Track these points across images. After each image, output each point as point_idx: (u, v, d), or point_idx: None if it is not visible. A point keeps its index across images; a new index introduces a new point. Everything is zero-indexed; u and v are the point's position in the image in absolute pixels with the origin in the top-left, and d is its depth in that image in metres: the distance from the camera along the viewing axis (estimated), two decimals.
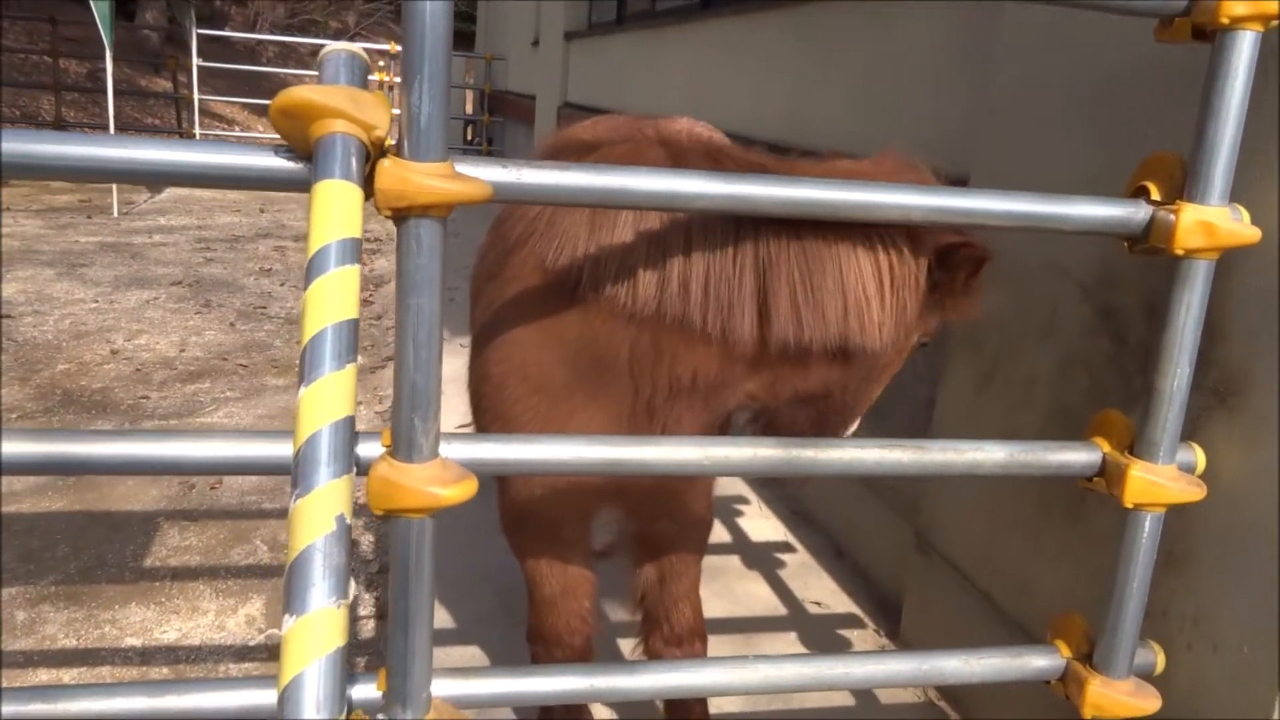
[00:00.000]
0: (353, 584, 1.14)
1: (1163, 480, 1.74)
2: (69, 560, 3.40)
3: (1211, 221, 1.65)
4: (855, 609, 3.30)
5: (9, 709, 1.50)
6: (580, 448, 1.67)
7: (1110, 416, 1.86)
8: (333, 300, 1.27)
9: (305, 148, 1.41)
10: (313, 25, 27.32)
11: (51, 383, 5.12)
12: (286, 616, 1.07)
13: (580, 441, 1.68)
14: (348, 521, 1.14)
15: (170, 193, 11.68)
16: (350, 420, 1.21)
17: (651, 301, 1.78)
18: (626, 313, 1.81)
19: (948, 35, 3.34)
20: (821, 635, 3.15)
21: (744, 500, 4.13)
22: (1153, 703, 1.85)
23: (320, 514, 1.13)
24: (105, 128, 10.73)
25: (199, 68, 13.20)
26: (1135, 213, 1.73)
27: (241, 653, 2.95)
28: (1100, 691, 1.84)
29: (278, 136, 1.43)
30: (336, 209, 1.33)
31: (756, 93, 4.97)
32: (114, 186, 10.10)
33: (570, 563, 2.16)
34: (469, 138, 15.82)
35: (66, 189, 11.24)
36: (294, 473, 1.16)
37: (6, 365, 5.32)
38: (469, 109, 16.12)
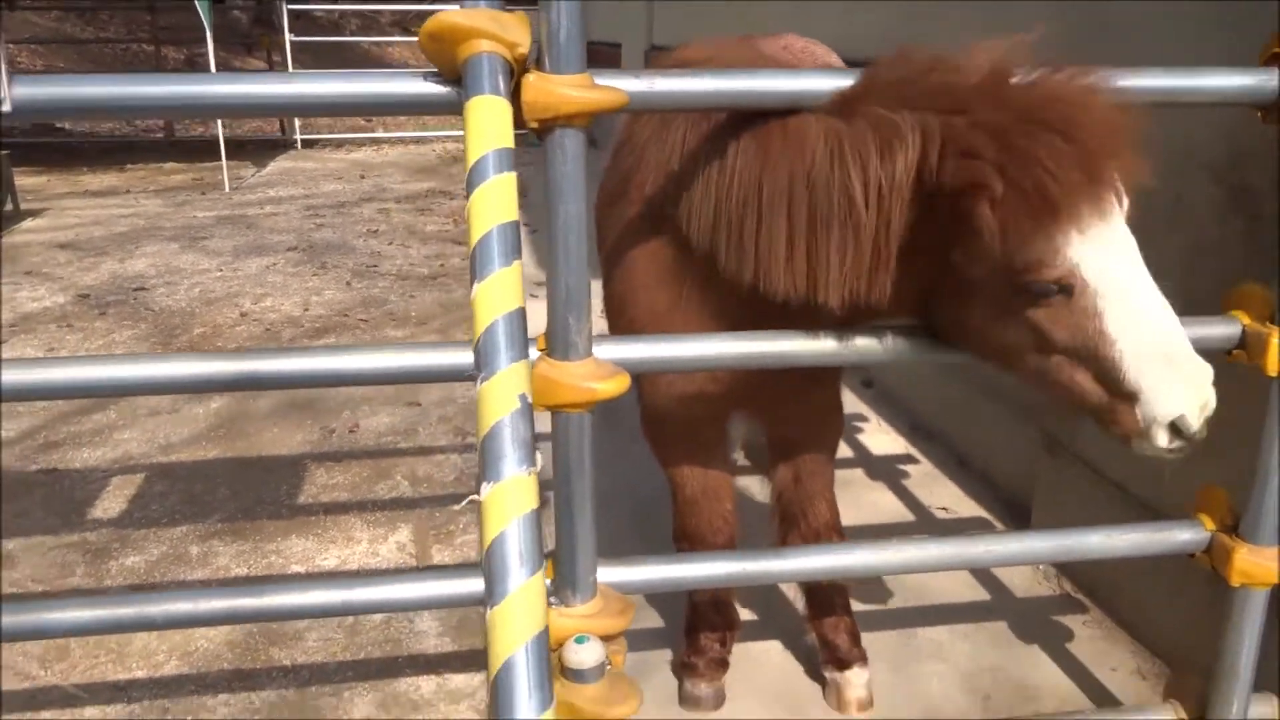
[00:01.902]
0: (539, 456, 1.24)
1: None
2: (230, 501, 3.65)
3: None
4: (983, 512, 3.34)
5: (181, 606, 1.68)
6: (720, 344, 1.75)
7: (1250, 290, 1.85)
8: (494, 205, 1.36)
9: (453, 70, 1.51)
10: None
11: (191, 345, 5.44)
12: (485, 485, 1.18)
13: (719, 339, 1.77)
14: (529, 400, 1.25)
15: (275, 166, 12.08)
16: (521, 311, 1.31)
17: (699, 238, 1.81)
18: (692, 246, 1.85)
19: None
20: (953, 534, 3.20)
21: (863, 418, 4.17)
22: None
23: (505, 394, 1.23)
24: None
25: (290, 44, 13.52)
26: (1269, 80, 1.71)
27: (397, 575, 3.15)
28: (1248, 559, 1.85)
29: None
30: (490, 122, 1.42)
31: (867, 19, 4.90)
32: (224, 164, 10.51)
33: (710, 466, 2.25)
34: None
35: (179, 169, 11.72)
36: (476, 360, 1.26)
37: (147, 333, 5.67)
38: None
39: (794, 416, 2.28)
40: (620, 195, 2.10)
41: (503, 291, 1.31)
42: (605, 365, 1.62)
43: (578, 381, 1.58)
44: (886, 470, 3.66)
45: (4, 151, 8.66)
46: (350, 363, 1.65)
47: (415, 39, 1.61)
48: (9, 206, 8.76)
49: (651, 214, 1.98)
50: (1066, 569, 2.92)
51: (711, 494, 2.25)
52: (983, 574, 2.90)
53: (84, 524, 3.49)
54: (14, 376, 1.56)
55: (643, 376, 2.11)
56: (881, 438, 3.97)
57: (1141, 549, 1.95)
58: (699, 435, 2.22)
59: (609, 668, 1.69)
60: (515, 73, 1.51)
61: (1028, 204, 1.45)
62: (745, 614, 2.71)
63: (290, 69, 13.67)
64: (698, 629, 2.41)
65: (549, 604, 1.69)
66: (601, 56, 12.53)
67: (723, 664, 2.42)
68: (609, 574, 1.79)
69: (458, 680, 2.64)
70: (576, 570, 1.69)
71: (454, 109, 1.53)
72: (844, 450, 3.85)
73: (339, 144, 14.01)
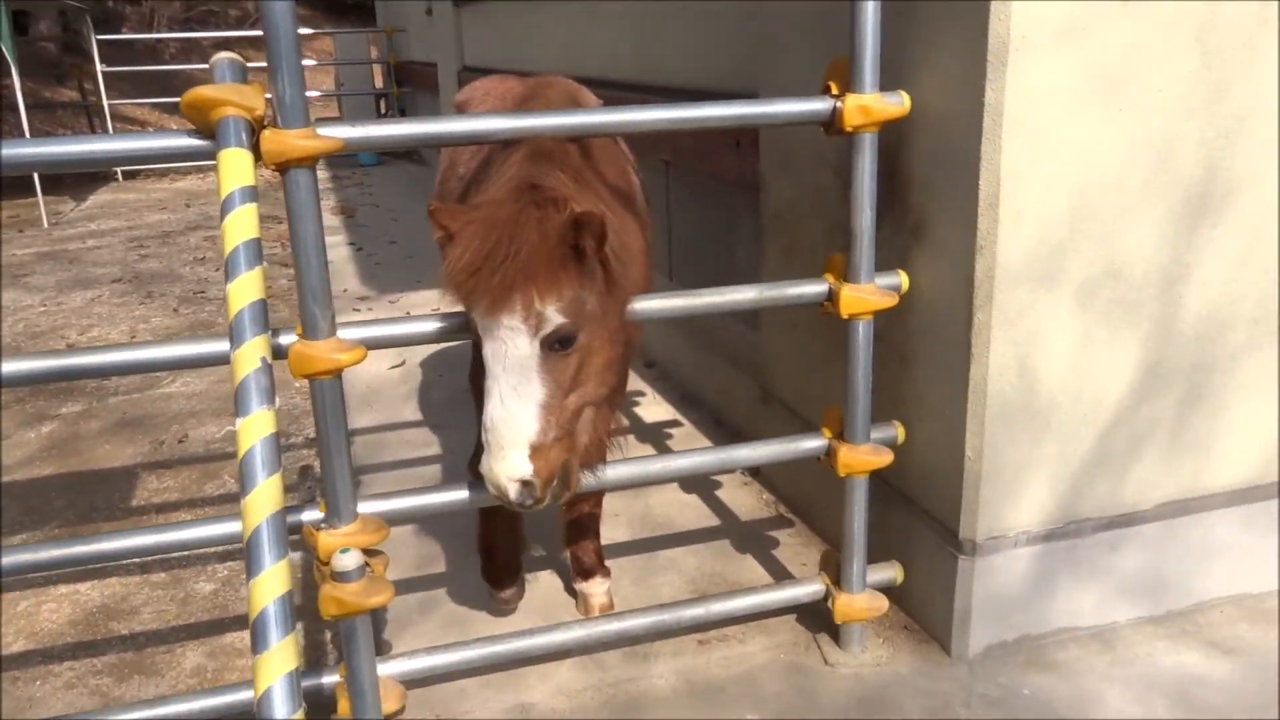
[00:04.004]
0: (277, 398, 1.75)
1: (864, 295, 2.43)
2: (67, 509, 3.99)
3: (868, 104, 2.32)
4: None
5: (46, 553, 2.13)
6: (434, 323, 2.31)
7: (835, 258, 2.54)
8: (240, 227, 1.89)
9: (209, 129, 2.02)
10: (211, 16, 27.14)
11: None
12: (238, 419, 1.70)
13: (436, 319, 2.32)
14: (269, 361, 1.77)
15: (96, 199, 12.01)
16: (262, 302, 1.84)
17: None
18: None
19: None
20: (697, 482, 3.83)
21: (640, 393, 4.80)
22: (885, 458, 2.56)
23: (251, 357, 1.75)
24: None
25: (103, 73, 13.38)
26: (823, 105, 2.39)
27: (224, 557, 3.58)
28: (847, 455, 2.54)
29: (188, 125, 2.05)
30: (236, 167, 1.94)
31: (613, 41, 5.59)
32: (40, 200, 10.45)
33: None
34: (382, 110, 16.00)
35: None
36: (229, 333, 1.79)
37: None
38: (379, 83, 16.27)
39: None
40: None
41: (248, 289, 1.85)
42: (345, 342, 2.16)
43: (324, 354, 2.11)
44: (655, 434, 4.30)
45: None
46: (152, 354, 2.16)
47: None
48: None
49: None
50: (781, 495, 3.61)
51: None
52: (716, 504, 3.56)
53: None
54: None
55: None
56: (655, 408, 4.61)
57: (779, 456, 2.62)
58: None
59: (369, 571, 2.23)
60: (256, 129, 2.03)
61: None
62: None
63: (105, 98, 13.51)
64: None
65: (320, 528, 2.23)
66: (421, 74, 12.96)
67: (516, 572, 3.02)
68: (370, 506, 2.32)
69: None
70: (338, 500, 2.22)
71: (210, 158, 2.04)
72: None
73: (163, 173, 13.93)
